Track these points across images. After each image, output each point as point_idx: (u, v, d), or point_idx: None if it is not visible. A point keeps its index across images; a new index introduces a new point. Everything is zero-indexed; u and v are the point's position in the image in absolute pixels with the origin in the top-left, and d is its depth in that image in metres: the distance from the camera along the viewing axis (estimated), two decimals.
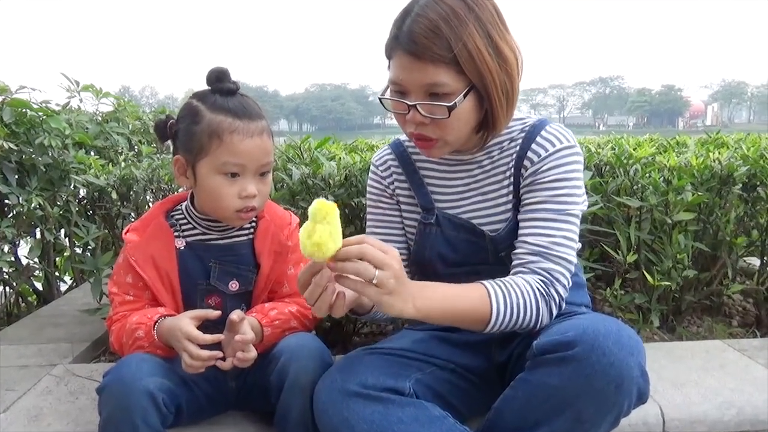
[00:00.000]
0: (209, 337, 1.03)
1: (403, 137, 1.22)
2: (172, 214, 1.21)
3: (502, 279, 1.01)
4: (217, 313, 1.09)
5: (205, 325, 1.07)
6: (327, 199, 0.93)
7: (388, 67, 1.03)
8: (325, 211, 0.83)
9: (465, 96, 0.98)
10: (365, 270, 0.84)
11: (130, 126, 2.74)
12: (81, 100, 2.63)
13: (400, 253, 1.18)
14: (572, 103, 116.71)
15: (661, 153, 1.94)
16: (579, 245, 1.14)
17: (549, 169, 1.04)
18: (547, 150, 1.05)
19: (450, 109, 0.98)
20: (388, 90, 1.04)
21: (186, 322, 1.04)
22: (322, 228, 0.83)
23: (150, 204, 1.84)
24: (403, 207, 1.21)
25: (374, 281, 0.84)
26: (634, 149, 1.85)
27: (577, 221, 1.06)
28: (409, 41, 0.96)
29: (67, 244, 2.32)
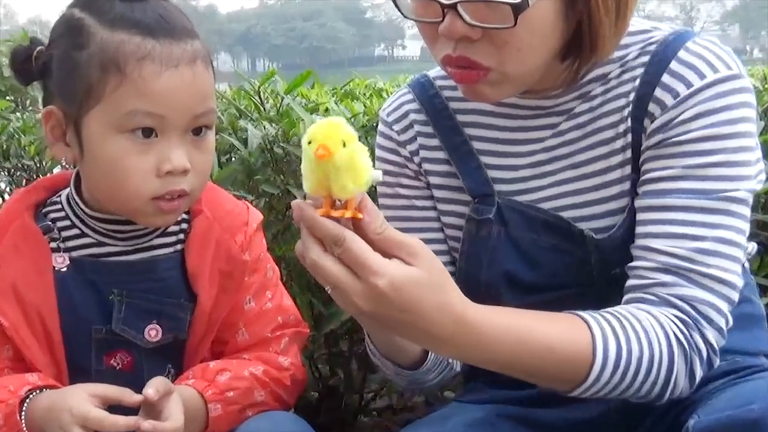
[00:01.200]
0: (122, 422, 0.97)
1: (434, 71, 1.17)
2: (46, 210, 1.15)
3: (611, 310, 0.96)
4: (138, 397, 1.02)
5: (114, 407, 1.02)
6: None
7: None
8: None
9: None
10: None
11: None
12: None
13: None
14: (706, 13, 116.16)
15: None
16: (753, 248, 1.11)
17: (693, 117, 0.98)
18: (690, 85, 0.98)
19: (517, 10, 0.90)
20: None
21: (79, 397, 0.99)
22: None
23: (6, 195, 1.78)
24: (437, 193, 1.17)
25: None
26: None
27: (746, 210, 0.99)
28: None
29: None
